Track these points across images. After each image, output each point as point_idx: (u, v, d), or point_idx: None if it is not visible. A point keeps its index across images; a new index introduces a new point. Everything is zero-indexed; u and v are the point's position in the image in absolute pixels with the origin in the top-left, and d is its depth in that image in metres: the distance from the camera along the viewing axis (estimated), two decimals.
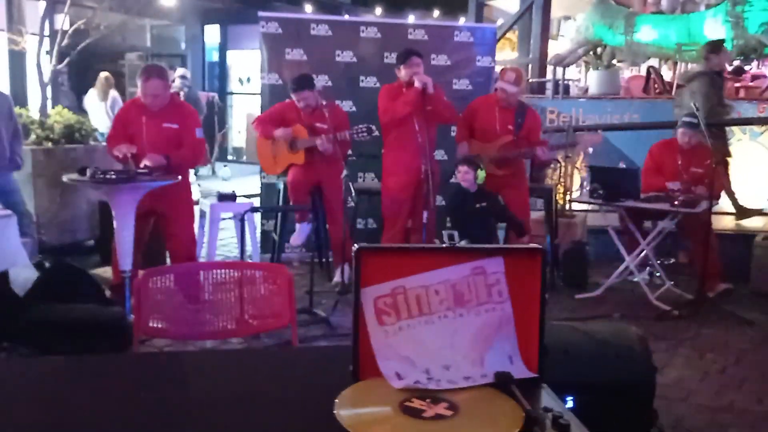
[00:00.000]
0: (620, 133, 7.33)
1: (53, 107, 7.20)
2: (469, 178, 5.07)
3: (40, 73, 6.91)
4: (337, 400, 1.28)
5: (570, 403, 2.25)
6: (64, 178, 4.49)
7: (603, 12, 8.85)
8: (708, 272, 5.09)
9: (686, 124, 5.43)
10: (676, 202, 5.03)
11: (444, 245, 1.41)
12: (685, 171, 5.42)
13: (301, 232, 5.71)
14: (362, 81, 6.37)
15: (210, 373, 1.60)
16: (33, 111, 6.98)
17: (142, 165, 4.43)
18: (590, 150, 6.52)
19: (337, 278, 5.54)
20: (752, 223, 6.46)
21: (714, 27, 7.93)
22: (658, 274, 5.56)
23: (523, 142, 5.32)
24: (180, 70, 9.87)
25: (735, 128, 6.79)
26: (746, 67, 9.13)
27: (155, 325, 2.89)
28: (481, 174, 5.11)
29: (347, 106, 6.19)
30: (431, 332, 1.40)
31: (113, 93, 9.25)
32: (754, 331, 4.80)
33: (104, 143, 5.24)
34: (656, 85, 8.74)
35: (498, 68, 6.50)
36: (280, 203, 5.91)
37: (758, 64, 9.50)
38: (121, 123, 4.70)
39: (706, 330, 4.77)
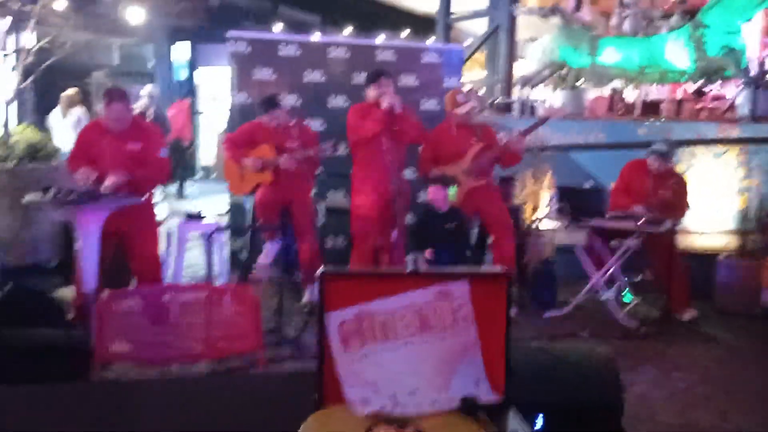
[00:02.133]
0: (586, 153, 7.42)
1: (18, 125, 7.08)
2: (439, 197, 5.09)
3: (3, 92, 6.80)
4: (300, 428, 1.26)
5: (540, 422, 2.25)
6: (26, 199, 4.40)
7: (567, 34, 8.99)
8: (676, 293, 5.18)
9: (655, 152, 5.53)
10: (640, 222, 5.11)
11: (408, 270, 1.40)
12: (654, 193, 5.50)
13: (269, 252, 5.66)
14: (331, 100, 6.38)
15: (172, 401, 1.56)
16: None
17: (105, 184, 4.36)
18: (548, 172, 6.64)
19: (306, 298, 5.50)
20: (715, 242, 6.57)
21: (676, 49, 8.10)
22: (624, 292, 5.62)
23: (494, 145, 5.38)
24: (147, 88, 9.77)
25: (698, 148, 6.91)
26: (706, 89, 9.33)
27: (118, 350, 2.84)
28: (452, 191, 5.13)
29: (317, 125, 6.19)
30: (397, 358, 1.39)
31: (77, 111, 9.12)
32: (719, 349, 4.87)
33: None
34: (620, 106, 8.89)
35: (465, 87, 6.56)
36: (249, 222, 5.86)
37: (719, 86, 9.72)
38: (83, 144, 4.64)
39: (672, 348, 4.83)
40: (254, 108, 5.97)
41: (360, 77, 5.99)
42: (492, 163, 5.48)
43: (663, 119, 7.65)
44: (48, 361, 2.98)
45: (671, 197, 5.39)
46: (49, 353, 3.05)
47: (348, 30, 14.65)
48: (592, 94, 9.66)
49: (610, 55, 8.67)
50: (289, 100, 6.08)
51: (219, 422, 1.42)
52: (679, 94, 9.45)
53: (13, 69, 6.93)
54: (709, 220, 6.72)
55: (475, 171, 5.34)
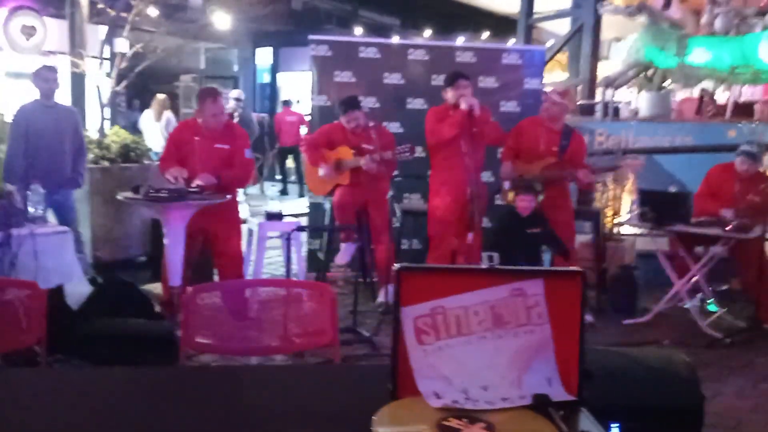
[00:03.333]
0: (671, 157, 7.20)
1: (111, 127, 7.46)
2: (528, 206, 5.03)
3: (99, 95, 7.17)
4: (374, 418, 1.30)
5: (616, 431, 2.22)
6: (119, 196, 4.63)
7: (654, 34, 8.73)
8: (763, 301, 4.95)
9: (744, 152, 5.32)
10: (728, 228, 4.92)
11: (484, 266, 1.42)
12: (742, 198, 5.28)
13: (346, 252, 5.75)
14: (410, 103, 6.43)
15: (252, 387, 1.63)
16: (92, 131, 7.24)
17: (194, 184, 4.54)
18: (631, 176, 6.46)
19: (381, 298, 5.56)
20: None
21: None
22: (709, 301, 5.42)
23: (567, 164, 5.28)
24: (235, 92, 10.12)
25: None
26: None
27: (202, 341, 2.95)
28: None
29: (395, 127, 6.24)
30: (470, 352, 1.41)
31: (167, 114, 9.53)
32: None
33: (158, 162, 5.39)
34: (709, 108, 8.57)
35: (548, 89, 6.48)
36: (327, 223, 5.97)
37: None
38: (175, 143, 4.84)
39: (760, 359, 4.63)
40: (334, 110, 6.08)
41: (439, 79, 6.00)
42: (563, 180, 5.37)
43: (756, 121, 7.32)
44: (137, 349, 3.14)
45: (760, 202, 5.16)
46: (139, 342, 3.22)
47: (428, 32, 14.68)
48: (680, 95, 9.36)
49: (699, 54, 8.38)
50: (368, 102, 6.16)
51: (296, 408, 1.47)
52: None
53: (109, 74, 7.30)
54: None
55: (543, 182, 5.25)
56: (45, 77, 5.26)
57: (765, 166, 5.17)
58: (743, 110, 8.08)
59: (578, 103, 9.04)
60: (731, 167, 5.42)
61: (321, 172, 5.48)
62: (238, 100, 9.66)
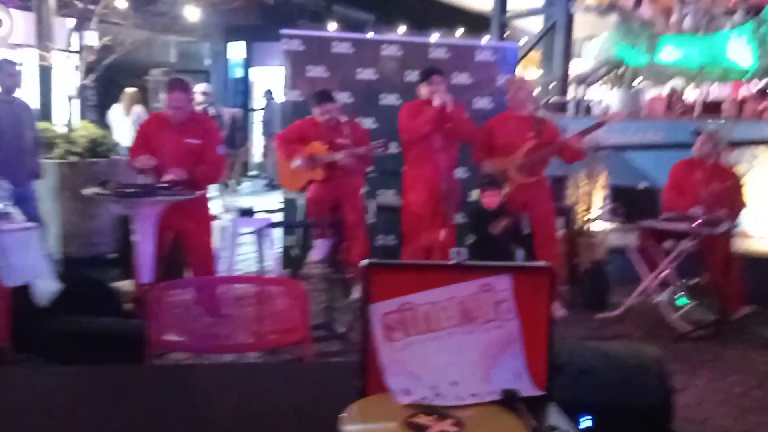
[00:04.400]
0: (642, 153, 7.29)
1: (80, 121, 7.33)
2: (494, 201, 5.06)
3: (67, 88, 7.05)
4: (342, 416, 1.28)
5: (588, 423, 2.23)
6: (87, 192, 4.56)
7: (625, 32, 8.82)
8: (732, 297, 5.03)
9: (701, 132, 5.39)
10: (696, 223, 4.98)
11: (452, 262, 1.41)
12: (706, 188, 5.34)
13: (320, 248, 5.72)
14: (383, 98, 6.41)
15: (219, 386, 1.61)
16: (59, 125, 7.11)
17: (164, 179, 4.49)
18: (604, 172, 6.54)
19: (355, 294, 5.54)
20: None
21: (738, 47, 7.87)
22: (679, 295, 5.49)
23: (548, 142, 5.30)
24: (201, 86, 9.96)
25: (759, 149, 6.71)
26: None
27: (171, 339, 2.91)
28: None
29: (368, 123, 6.22)
30: (439, 348, 1.40)
31: (137, 108, 9.39)
32: None
33: (127, 157, 5.33)
34: (679, 106, 8.68)
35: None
36: (300, 219, 5.94)
37: None
38: (144, 136, 4.77)
39: (728, 352, 4.70)
40: (307, 105, 6.05)
41: (413, 75, 6.00)
42: (546, 161, 5.40)
43: (724, 119, 7.43)
44: (105, 347, 3.09)
45: (724, 191, 5.23)
46: (105, 340, 3.17)
47: (402, 28, 14.66)
48: (650, 93, 9.46)
49: (669, 53, 8.47)
50: (342, 97, 6.13)
51: (265, 406, 1.46)
52: (741, 94, 9.18)
53: (77, 67, 7.18)
54: None
55: (527, 167, 5.28)
56: (9, 72, 5.21)
57: (732, 162, 5.23)
58: (711, 108, 8.20)
59: (551, 100, 9.10)
60: (693, 161, 5.50)
61: (295, 163, 5.43)
62: (204, 94, 9.52)
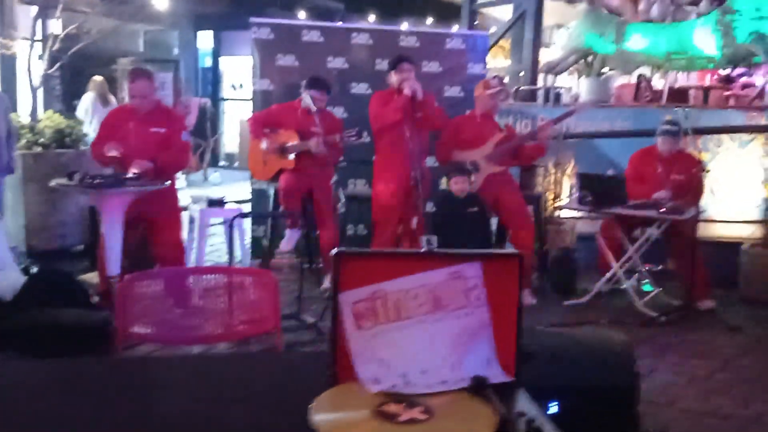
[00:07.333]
0: (610, 141, 7.36)
1: (45, 112, 7.19)
2: (463, 188, 5.09)
3: (31, 78, 6.91)
4: (312, 405, 1.28)
5: (555, 408, 2.26)
6: (53, 183, 4.48)
7: (594, 20, 8.90)
8: (696, 283, 5.13)
9: (664, 132, 5.45)
10: (662, 210, 5.05)
11: (422, 250, 1.42)
12: (666, 179, 5.43)
13: (290, 238, 5.70)
14: (354, 87, 6.39)
15: (188, 377, 1.60)
16: (23, 115, 6.97)
17: (130, 172, 4.43)
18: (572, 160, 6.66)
19: (326, 284, 5.53)
20: (740, 231, 6.49)
21: (704, 35, 7.99)
22: (645, 282, 5.58)
23: (516, 133, 5.44)
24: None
25: (724, 136, 6.82)
26: (734, 75, 9.18)
27: (140, 331, 2.89)
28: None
29: (339, 112, 6.20)
30: (409, 336, 1.40)
31: (113, 99, 9.20)
32: (742, 337, 4.82)
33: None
34: (646, 94, 8.78)
35: (490, 75, 6.54)
36: (271, 209, 5.90)
37: (748, 73, 9.56)
38: (109, 126, 4.71)
39: (693, 336, 4.79)
40: (276, 95, 6.02)
41: (383, 64, 5.98)
42: (513, 155, 5.47)
43: (690, 107, 7.54)
44: (70, 340, 3.05)
45: (685, 180, 5.32)
46: (72, 333, 3.13)
47: (372, 17, 14.61)
48: (619, 81, 9.56)
49: (636, 41, 8.57)
50: None
51: (234, 397, 1.45)
52: (706, 81, 9.33)
53: (41, 56, 7.04)
54: (734, 209, 6.64)
55: (496, 158, 5.35)
56: None
57: (696, 148, 5.31)
58: (678, 96, 8.31)
59: (521, 88, 9.15)
60: (652, 150, 5.55)
61: (263, 145, 5.39)
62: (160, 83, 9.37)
